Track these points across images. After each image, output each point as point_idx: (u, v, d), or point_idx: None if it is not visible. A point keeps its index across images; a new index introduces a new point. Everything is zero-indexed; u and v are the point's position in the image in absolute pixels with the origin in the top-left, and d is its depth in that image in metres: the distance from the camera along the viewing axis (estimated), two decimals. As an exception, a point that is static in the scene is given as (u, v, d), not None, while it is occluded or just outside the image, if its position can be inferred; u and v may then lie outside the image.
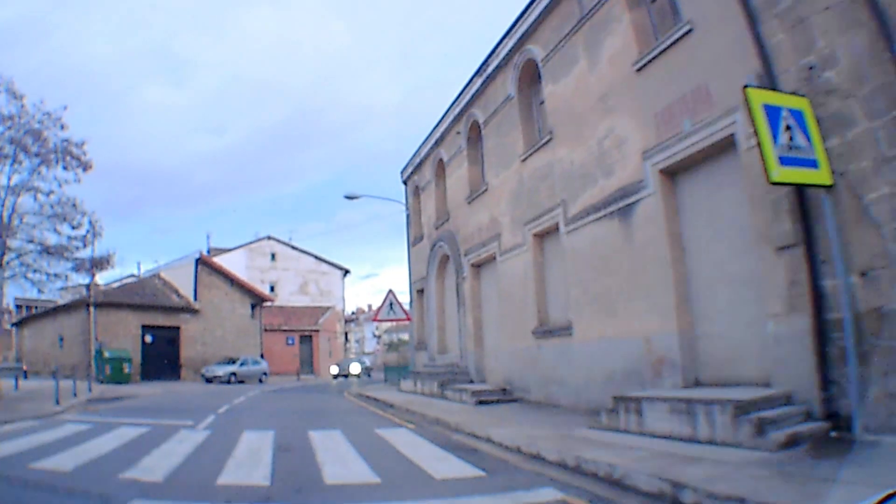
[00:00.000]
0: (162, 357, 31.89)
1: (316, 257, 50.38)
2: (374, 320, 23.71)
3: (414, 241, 21.90)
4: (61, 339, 31.25)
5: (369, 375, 43.73)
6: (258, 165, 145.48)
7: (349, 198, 21.16)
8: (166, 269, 35.02)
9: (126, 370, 26.95)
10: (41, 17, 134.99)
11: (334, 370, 40.62)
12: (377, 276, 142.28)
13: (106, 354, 26.58)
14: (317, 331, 43.65)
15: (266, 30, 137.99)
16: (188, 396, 19.53)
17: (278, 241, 49.81)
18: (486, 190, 14.99)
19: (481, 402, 12.54)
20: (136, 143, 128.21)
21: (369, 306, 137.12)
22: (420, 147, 20.21)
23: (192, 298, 32.83)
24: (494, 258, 14.54)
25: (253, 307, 36.68)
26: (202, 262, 33.49)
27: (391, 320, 22.84)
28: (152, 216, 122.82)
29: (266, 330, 41.02)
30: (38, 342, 34.07)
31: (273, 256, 49.26)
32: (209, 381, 30.26)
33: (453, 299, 17.80)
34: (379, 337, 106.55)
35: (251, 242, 49.18)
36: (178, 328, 32.27)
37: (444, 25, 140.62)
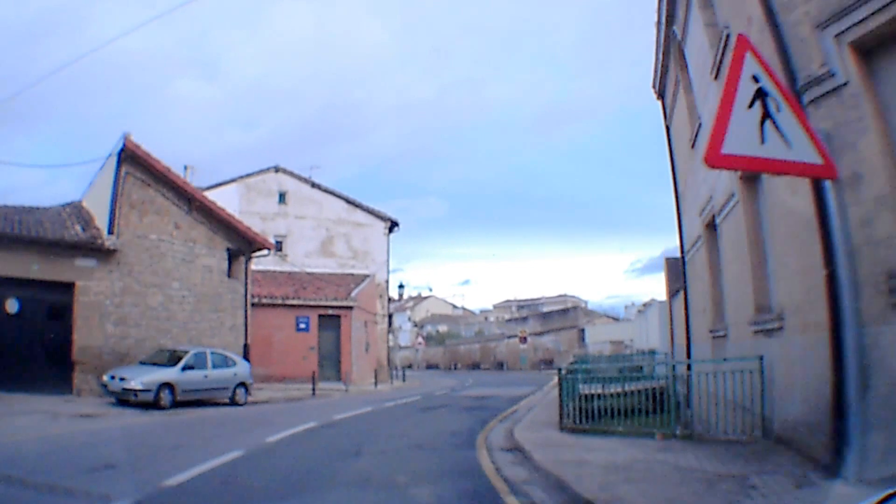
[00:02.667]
0: (32, 346, 15.56)
1: (347, 201, 33.65)
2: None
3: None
4: None
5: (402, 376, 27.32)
6: (287, 160, 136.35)
7: None
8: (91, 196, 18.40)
9: None
10: (76, 8, 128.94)
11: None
12: (402, 270, 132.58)
13: None
14: (348, 308, 26.82)
15: (300, 25, 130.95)
16: None
17: (291, 174, 33.20)
18: None
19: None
20: (167, 136, 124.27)
21: (400, 294, 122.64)
22: None
23: (105, 231, 16.25)
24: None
25: (232, 257, 20.06)
26: (129, 160, 16.87)
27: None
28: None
29: (262, 304, 24.39)
30: None
31: (282, 197, 32.66)
32: (122, 401, 13.82)
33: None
34: (419, 327, 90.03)
35: (250, 175, 32.66)
36: (70, 287, 15.76)
37: (476, 25, 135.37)
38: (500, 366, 51.02)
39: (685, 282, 12.71)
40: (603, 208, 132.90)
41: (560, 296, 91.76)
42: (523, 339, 42.37)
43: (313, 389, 20.49)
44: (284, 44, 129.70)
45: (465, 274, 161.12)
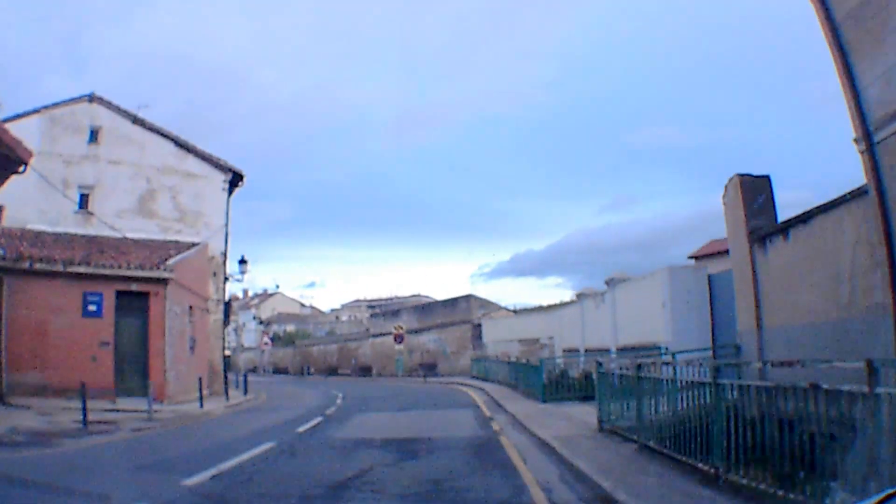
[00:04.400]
0: None
1: (177, 143, 24.33)
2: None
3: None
4: None
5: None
6: None
7: None
8: None
9: None
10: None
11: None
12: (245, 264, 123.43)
13: None
14: (161, 283, 17.70)
15: (168, 21, 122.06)
16: None
17: (109, 105, 23.41)
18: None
19: None
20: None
21: (244, 292, 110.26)
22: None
23: None
24: None
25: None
26: None
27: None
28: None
29: (31, 272, 15.20)
30: None
31: (93, 135, 22.86)
32: None
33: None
34: (265, 325, 79.33)
35: (57, 105, 22.54)
36: None
37: (335, 31, 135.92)
38: (364, 371, 43.34)
39: (880, 183, 6.37)
40: (451, 213, 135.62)
41: (413, 295, 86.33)
42: (399, 338, 35.17)
43: (84, 417, 11.69)
44: (151, 43, 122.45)
45: (312, 276, 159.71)
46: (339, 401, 20.12)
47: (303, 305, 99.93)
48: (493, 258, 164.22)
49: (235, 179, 24.72)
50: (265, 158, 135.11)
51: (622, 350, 15.47)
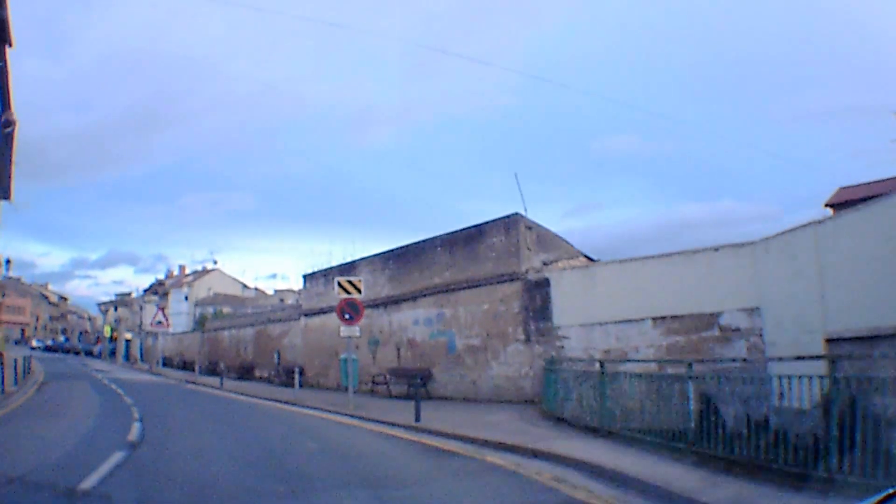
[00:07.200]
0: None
1: None
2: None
3: None
4: None
5: None
6: (114, 145, 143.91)
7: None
8: None
9: None
10: None
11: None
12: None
13: None
14: None
15: (147, 9, 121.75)
16: None
17: None
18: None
19: None
20: None
21: (181, 268, 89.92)
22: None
23: None
24: None
25: None
26: None
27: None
28: None
29: None
30: None
31: None
32: None
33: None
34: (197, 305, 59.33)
35: None
36: None
37: (303, 26, 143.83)
38: (289, 374, 23.15)
39: None
40: (412, 212, 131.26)
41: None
42: (348, 310, 15.67)
43: None
44: (128, 25, 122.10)
45: (274, 268, 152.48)
46: None
47: (245, 286, 79.54)
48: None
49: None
50: (230, 148, 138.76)
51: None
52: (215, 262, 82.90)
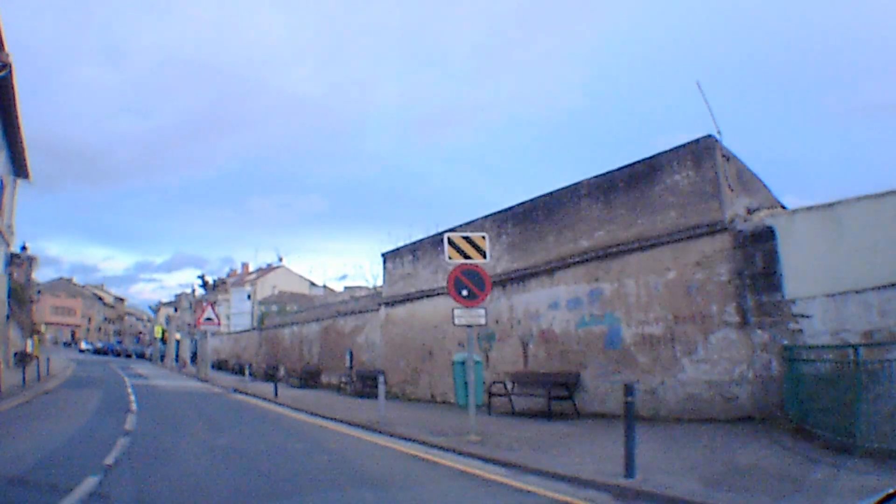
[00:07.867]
0: None
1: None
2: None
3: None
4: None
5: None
6: (177, 149, 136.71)
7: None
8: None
9: None
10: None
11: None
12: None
13: None
14: None
15: (203, 12, 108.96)
16: None
17: None
18: None
19: None
20: (61, 120, 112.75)
21: (243, 266, 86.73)
22: None
23: None
24: None
25: None
26: None
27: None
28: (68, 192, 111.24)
29: None
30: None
31: None
32: None
33: None
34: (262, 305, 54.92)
35: None
36: None
37: (371, 28, 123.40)
38: (367, 381, 16.86)
39: None
40: (484, 211, 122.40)
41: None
42: (466, 283, 9.29)
43: None
44: (186, 32, 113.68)
45: (345, 270, 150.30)
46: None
47: (313, 284, 74.77)
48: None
49: None
50: (299, 151, 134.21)
51: None
52: (280, 260, 78.90)
